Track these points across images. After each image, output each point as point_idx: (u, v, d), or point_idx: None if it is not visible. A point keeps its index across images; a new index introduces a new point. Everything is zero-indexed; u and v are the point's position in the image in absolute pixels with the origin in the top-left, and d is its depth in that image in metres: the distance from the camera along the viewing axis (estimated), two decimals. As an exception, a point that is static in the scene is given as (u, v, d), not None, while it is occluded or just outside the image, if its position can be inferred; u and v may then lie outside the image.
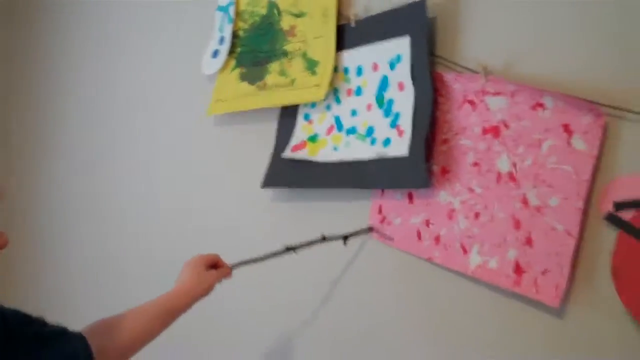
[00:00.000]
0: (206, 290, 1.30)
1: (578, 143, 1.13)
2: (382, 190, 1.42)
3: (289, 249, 1.39)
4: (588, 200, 1.12)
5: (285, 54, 1.54)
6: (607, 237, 1.11)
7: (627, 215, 1.10)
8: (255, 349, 1.65)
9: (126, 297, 1.82)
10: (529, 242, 1.18)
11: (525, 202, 1.19)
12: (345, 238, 1.40)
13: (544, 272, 1.15)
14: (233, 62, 1.65)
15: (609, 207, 1.12)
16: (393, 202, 1.40)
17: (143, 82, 1.99)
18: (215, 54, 1.66)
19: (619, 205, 1.11)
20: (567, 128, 1.15)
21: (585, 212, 1.12)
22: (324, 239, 1.39)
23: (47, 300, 2.23)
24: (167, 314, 1.26)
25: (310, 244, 1.39)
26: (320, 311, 1.52)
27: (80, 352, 1.14)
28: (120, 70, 2.07)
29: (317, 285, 1.52)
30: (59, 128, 2.26)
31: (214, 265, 1.35)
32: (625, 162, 1.11)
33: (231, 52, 1.64)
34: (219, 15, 1.69)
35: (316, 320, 1.53)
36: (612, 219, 1.12)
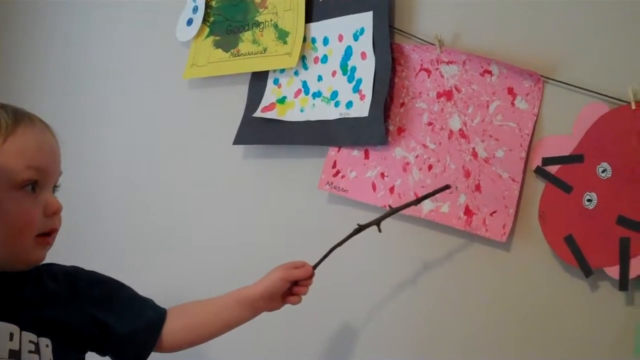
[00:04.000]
0: (272, 282, 1.28)
1: (521, 103, 1.33)
2: (339, 148, 1.58)
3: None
4: (529, 151, 1.32)
5: (257, 24, 1.69)
6: (541, 184, 1.31)
7: (553, 169, 1.30)
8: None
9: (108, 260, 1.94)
10: (478, 188, 1.37)
11: (474, 154, 1.38)
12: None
13: (492, 214, 1.34)
14: (207, 30, 1.78)
15: (538, 162, 1.32)
16: (349, 158, 1.55)
17: (117, 47, 2.08)
18: (190, 22, 1.79)
19: (547, 161, 1.31)
20: (511, 91, 1.35)
21: (527, 161, 1.32)
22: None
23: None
24: (236, 303, 1.28)
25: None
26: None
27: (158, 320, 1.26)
28: (92, 38, 2.15)
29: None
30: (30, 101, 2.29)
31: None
32: (552, 124, 1.31)
33: (204, 20, 1.78)
34: (191, -15, 1.83)
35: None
36: (541, 172, 1.31)
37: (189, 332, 1.28)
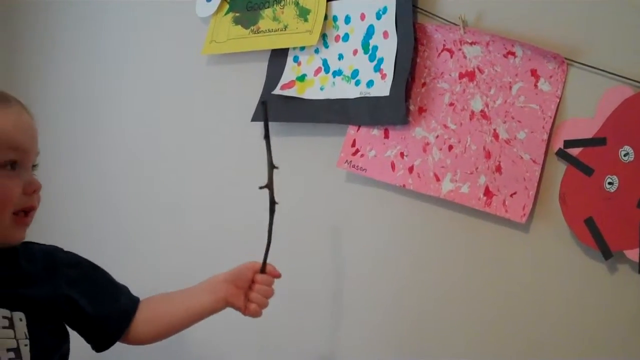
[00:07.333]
0: (237, 269, 1.34)
1: (544, 86, 1.33)
2: (358, 127, 1.58)
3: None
4: (551, 133, 1.33)
5: (277, 1, 1.68)
6: (562, 167, 1.32)
7: (575, 151, 1.31)
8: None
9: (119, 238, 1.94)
10: (498, 169, 1.37)
11: (495, 136, 1.38)
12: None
13: (512, 195, 1.35)
14: (227, 7, 1.78)
15: (560, 145, 1.32)
16: (369, 137, 1.55)
17: (135, 22, 2.06)
18: (209, -2, 1.80)
19: (568, 143, 1.32)
20: (534, 73, 1.35)
21: (548, 143, 1.33)
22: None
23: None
24: (200, 290, 1.31)
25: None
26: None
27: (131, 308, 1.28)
28: (110, 13, 2.12)
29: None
30: (47, 77, 2.28)
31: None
32: (575, 106, 1.31)
33: (224, -3, 1.78)
34: (210, -39, 1.82)
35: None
36: (562, 155, 1.32)
37: (156, 327, 1.29)
